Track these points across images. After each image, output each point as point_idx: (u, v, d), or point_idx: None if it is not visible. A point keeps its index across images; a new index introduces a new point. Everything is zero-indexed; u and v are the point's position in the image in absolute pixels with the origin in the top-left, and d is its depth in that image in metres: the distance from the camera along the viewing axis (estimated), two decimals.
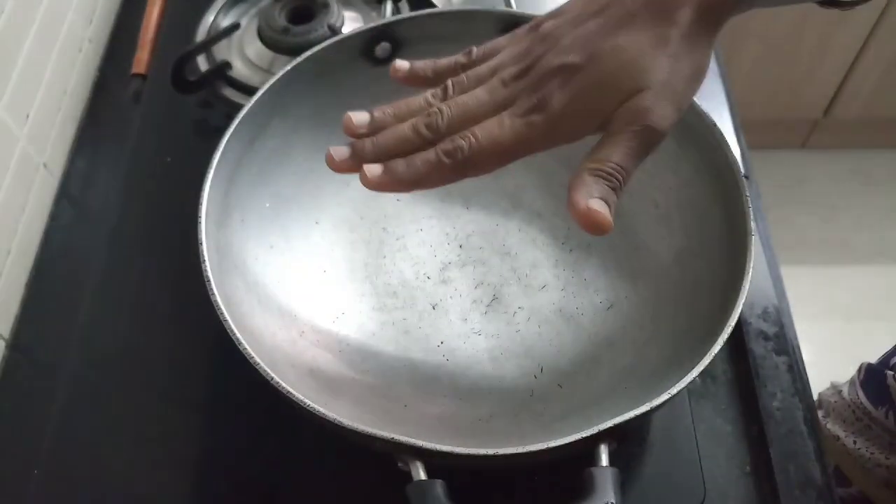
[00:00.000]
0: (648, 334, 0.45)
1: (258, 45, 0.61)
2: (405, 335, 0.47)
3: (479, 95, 0.35)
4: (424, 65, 0.39)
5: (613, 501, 0.33)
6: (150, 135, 0.61)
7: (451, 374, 0.46)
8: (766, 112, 1.38)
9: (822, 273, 1.39)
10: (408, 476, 0.34)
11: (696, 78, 0.35)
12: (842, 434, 0.57)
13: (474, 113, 0.34)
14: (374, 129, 0.36)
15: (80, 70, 0.64)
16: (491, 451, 0.34)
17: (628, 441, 0.45)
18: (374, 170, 0.34)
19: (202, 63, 0.62)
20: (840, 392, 0.59)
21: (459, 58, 0.38)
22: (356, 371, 0.45)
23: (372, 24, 0.49)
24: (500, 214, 0.52)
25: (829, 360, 0.92)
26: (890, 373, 0.55)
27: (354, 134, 0.36)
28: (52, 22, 0.59)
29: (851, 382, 0.58)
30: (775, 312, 0.51)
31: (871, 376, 0.57)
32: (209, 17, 0.65)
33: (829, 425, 0.58)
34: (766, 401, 0.47)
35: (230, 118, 0.44)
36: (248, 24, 0.63)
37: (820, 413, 0.60)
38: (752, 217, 0.40)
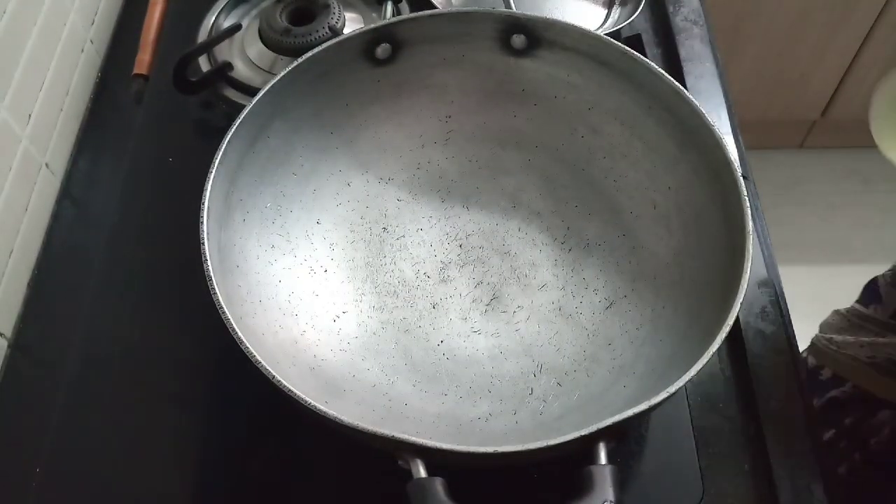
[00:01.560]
0: (647, 333, 0.45)
1: (259, 45, 0.61)
2: (405, 334, 0.48)
3: None
4: None
5: (612, 499, 0.33)
6: (152, 135, 0.61)
7: (451, 373, 0.46)
8: (764, 112, 1.38)
9: (821, 272, 1.39)
10: (408, 474, 0.35)
11: None
12: (836, 337, 0.61)
13: None
14: None
15: (81, 70, 0.64)
16: (490, 450, 0.34)
17: (627, 439, 0.46)
18: None
19: (204, 64, 0.62)
20: (838, 311, 0.64)
21: None
22: (357, 370, 0.45)
23: (372, 25, 0.49)
24: (500, 214, 0.53)
25: None
26: (880, 277, 0.60)
27: None
28: (53, 23, 0.60)
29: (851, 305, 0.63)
30: (773, 311, 0.51)
31: (866, 288, 0.62)
32: (210, 18, 0.65)
33: (824, 335, 0.63)
34: (764, 399, 0.47)
35: (231, 119, 0.45)
36: (250, 25, 0.64)
37: (819, 333, 0.65)
38: (750, 217, 0.40)
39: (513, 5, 0.55)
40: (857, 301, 0.63)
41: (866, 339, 0.59)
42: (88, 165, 0.62)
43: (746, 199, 0.41)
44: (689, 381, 0.36)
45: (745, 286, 0.38)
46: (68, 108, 0.62)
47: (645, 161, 0.49)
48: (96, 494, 0.46)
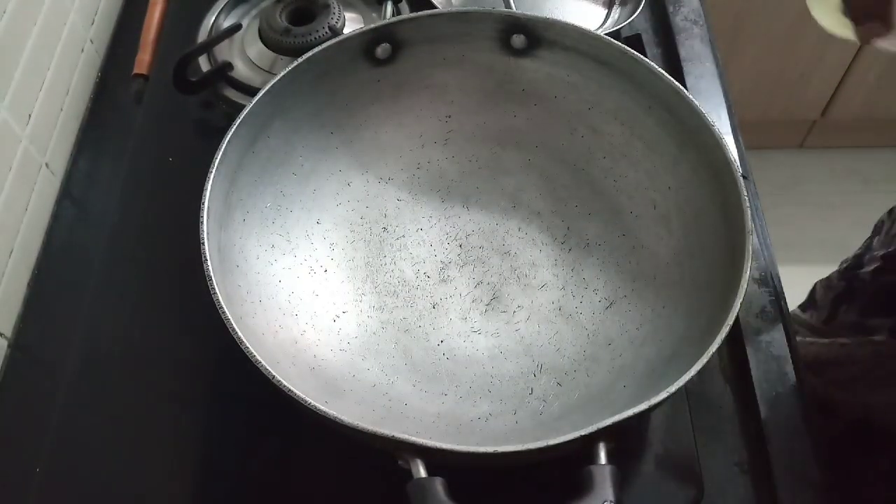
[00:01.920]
0: (647, 333, 0.45)
1: (259, 45, 0.61)
2: (405, 334, 0.48)
3: None
4: None
5: (612, 499, 0.33)
6: (152, 135, 0.61)
7: (450, 373, 0.46)
8: (764, 112, 1.38)
9: (821, 272, 1.39)
10: (408, 474, 0.35)
11: None
12: None
13: None
14: None
15: (81, 70, 0.64)
16: (490, 450, 0.34)
17: (627, 439, 0.46)
18: None
19: (203, 64, 0.62)
20: None
21: None
22: (357, 370, 0.45)
23: (372, 25, 0.49)
24: (500, 214, 0.53)
25: None
26: (819, 282, 0.60)
27: None
28: (53, 22, 0.60)
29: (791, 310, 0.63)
30: (773, 311, 0.51)
31: (810, 292, 0.63)
32: (210, 18, 0.65)
33: None
34: (764, 400, 0.47)
35: (231, 119, 0.45)
36: (250, 25, 0.64)
37: None
38: (750, 217, 0.40)
39: (513, 5, 0.55)
40: (798, 306, 0.63)
41: (799, 338, 0.59)
42: (88, 165, 0.62)
43: (746, 198, 0.41)
44: (689, 380, 0.36)
45: (745, 286, 0.38)
46: (68, 107, 0.62)
47: (645, 161, 0.49)
48: (96, 494, 0.46)
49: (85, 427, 0.48)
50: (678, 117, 0.46)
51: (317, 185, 0.51)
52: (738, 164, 0.43)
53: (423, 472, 0.34)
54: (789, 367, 0.49)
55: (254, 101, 0.45)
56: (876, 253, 0.52)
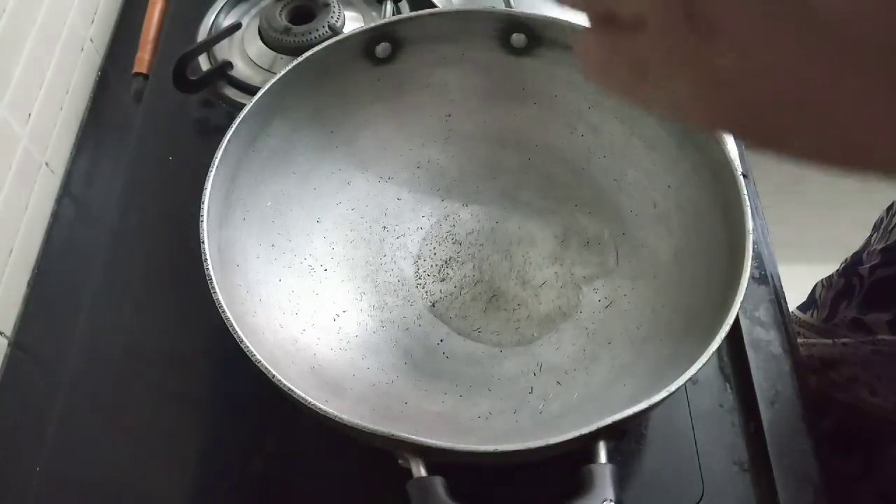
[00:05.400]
0: (647, 332, 0.45)
1: (259, 44, 0.61)
2: (405, 333, 0.48)
3: None
4: None
5: (612, 498, 0.33)
6: (152, 134, 0.61)
7: (450, 372, 0.46)
8: None
9: (821, 272, 1.39)
10: (408, 473, 0.35)
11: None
12: None
13: None
14: None
15: (81, 69, 0.64)
16: (490, 448, 0.34)
17: (627, 438, 0.46)
18: None
19: (203, 62, 0.62)
20: None
21: None
22: (356, 369, 0.45)
23: (372, 24, 0.49)
24: (500, 213, 0.53)
25: None
26: (819, 282, 0.60)
27: None
28: (53, 21, 0.60)
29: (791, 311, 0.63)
30: (773, 311, 0.51)
31: (811, 293, 0.62)
32: (210, 17, 0.65)
33: None
34: (764, 398, 0.47)
35: (231, 118, 0.45)
36: (250, 24, 0.64)
37: None
38: (750, 216, 0.40)
39: (513, 4, 0.55)
40: (798, 306, 0.62)
41: (801, 339, 0.59)
42: (88, 164, 0.62)
43: (746, 197, 0.41)
44: (689, 380, 0.36)
45: (745, 285, 0.38)
46: (68, 106, 0.62)
47: (645, 160, 0.49)
48: (96, 494, 0.46)
49: (85, 427, 0.48)
50: None
51: (317, 184, 0.51)
52: (738, 162, 0.43)
53: (423, 471, 0.34)
54: (789, 367, 0.49)
55: (254, 100, 0.45)
56: (874, 248, 0.52)
